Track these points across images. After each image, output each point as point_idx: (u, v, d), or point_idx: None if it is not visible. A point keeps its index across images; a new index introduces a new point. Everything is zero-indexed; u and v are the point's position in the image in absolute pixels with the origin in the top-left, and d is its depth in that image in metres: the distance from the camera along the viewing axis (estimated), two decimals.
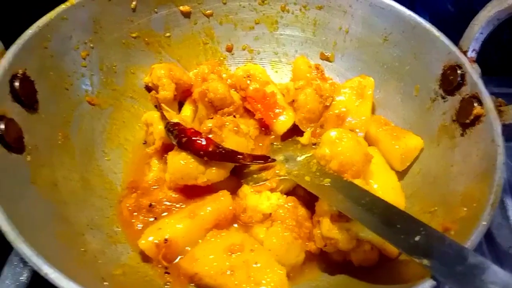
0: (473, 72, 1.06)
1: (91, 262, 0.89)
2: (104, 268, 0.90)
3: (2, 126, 0.87)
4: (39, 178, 0.92)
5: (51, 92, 1.03)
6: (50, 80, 1.04)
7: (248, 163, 1.07)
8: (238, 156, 1.04)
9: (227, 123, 1.07)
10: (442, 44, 1.13)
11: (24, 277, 1.02)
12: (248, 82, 1.25)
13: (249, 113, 1.26)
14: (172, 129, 1.04)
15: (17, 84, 0.93)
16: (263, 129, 1.25)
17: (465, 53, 1.11)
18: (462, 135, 1.04)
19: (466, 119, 1.03)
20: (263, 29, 1.38)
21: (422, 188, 1.08)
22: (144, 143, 1.21)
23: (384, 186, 1.09)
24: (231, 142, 1.06)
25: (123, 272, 0.92)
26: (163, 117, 1.10)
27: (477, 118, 1.01)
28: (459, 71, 1.08)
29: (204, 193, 1.08)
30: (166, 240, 0.96)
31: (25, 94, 0.95)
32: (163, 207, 1.07)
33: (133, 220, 1.05)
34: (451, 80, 1.10)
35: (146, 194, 1.09)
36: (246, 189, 1.09)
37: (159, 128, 1.11)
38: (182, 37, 1.33)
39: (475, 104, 1.01)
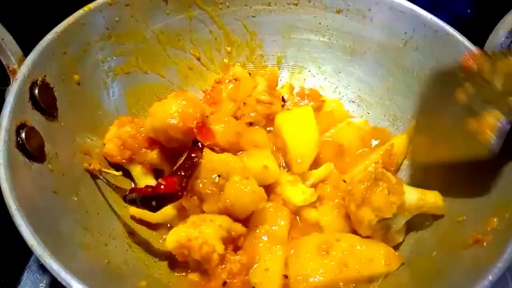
0: None
1: (116, 274, 0.87)
2: (129, 280, 0.88)
3: (23, 135, 0.85)
4: (61, 187, 0.90)
5: (69, 99, 1.02)
6: (69, 87, 1.02)
7: None
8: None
9: None
10: (466, 48, 1.11)
11: (43, 283, 1.03)
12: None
13: None
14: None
15: (37, 91, 0.92)
16: None
17: None
18: None
19: None
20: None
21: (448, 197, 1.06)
22: None
23: None
24: None
25: (147, 284, 0.90)
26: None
27: None
28: None
29: None
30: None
31: (45, 101, 0.94)
32: None
33: None
34: None
35: None
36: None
37: None
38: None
39: None
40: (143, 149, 1.07)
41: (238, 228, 0.98)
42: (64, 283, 0.69)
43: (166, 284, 0.95)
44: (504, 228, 0.85)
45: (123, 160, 1.08)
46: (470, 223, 0.95)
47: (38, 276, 1.05)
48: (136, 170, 1.09)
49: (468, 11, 1.48)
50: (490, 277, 0.75)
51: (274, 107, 1.24)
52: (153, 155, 1.07)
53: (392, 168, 1.09)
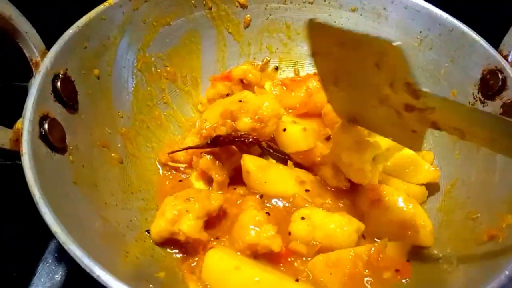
0: None
1: (134, 264, 0.89)
2: (147, 270, 0.89)
3: (46, 126, 0.87)
4: (80, 178, 0.92)
5: (89, 93, 1.03)
6: (89, 81, 1.04)
7: None
8: None
9: None
10: (481, 47, 1.12)
11: (59, 275, 1.04)
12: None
13: None
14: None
15: (59, 84, 0.93)
16: None
17: (505, 57, 1.09)
18: None
19: None
20: None
21: (461, 194, 1.06)
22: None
23: None
24: None
25: (165, 275, 0.91)
26: None
27: None
28: (500, 76, 1.06)
29: None
30: None
31: (67, 94, 0.95)
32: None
33: None
34: (491, 85, 1.08)
35: None
36: None
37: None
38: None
39: None
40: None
41: (216, 205, 1.00)
42: (87, 270, 0.70)
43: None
44: None
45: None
46: (485, 220, 0.95)
47: (54, 267, 1.06)
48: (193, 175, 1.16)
49: (485, 10, 1.48)
50: (507, 272, 0.76)
51: None
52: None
53: None
